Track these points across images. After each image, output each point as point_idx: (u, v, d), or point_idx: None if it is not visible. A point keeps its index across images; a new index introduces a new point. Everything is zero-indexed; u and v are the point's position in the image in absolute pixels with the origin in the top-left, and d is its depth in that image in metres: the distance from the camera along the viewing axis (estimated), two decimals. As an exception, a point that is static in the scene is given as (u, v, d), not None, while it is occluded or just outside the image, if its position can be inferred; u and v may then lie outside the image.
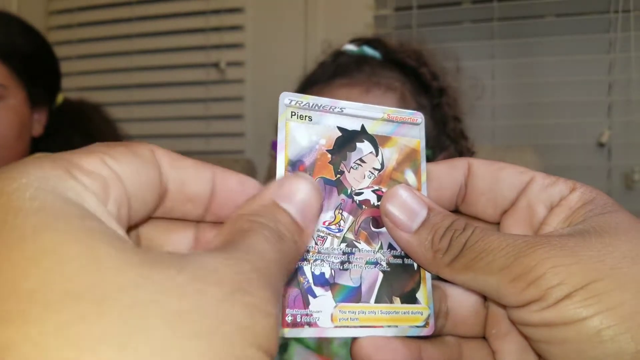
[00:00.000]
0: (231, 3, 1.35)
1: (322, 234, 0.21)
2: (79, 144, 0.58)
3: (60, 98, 0.79)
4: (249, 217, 0.16)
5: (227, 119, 1.37)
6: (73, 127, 0.77)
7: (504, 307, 0.19)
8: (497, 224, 0.23)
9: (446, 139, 0.61)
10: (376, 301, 0.21)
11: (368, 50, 0.62)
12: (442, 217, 0.20)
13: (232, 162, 1.05)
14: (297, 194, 0.18)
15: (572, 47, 1.11)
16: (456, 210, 0.23)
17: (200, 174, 0.18)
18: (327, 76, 0.61)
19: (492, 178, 0.21)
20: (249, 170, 1.02)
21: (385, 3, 1.24)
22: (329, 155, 0.22)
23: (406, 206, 0.20)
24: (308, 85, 0.63)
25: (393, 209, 0.20)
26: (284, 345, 0.57)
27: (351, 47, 0.62)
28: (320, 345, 0.54)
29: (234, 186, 0.19)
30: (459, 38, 1.19)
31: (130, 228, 0.17)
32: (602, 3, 1.10)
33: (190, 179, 0.18)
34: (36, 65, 0.72)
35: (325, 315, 0.20)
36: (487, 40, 1.16)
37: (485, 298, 0.22)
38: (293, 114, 0.23)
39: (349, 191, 0.22)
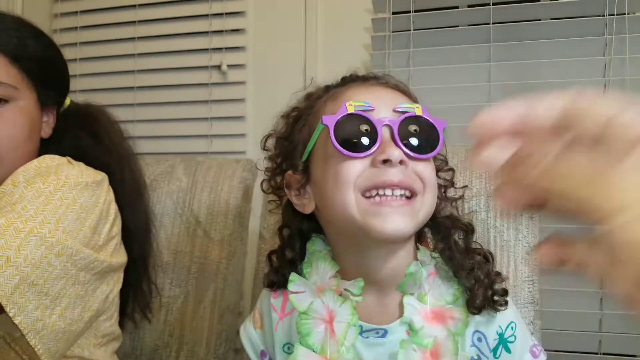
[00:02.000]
0: (233, 7, 1.37)
1: None
2: (88, 145, 0.60)
3: (67, 101, 0.81)
4: None
5: (229, 120, 1.39)
6: (81, 129, 0.78)
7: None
8: None
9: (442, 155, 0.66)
10: None
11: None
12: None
13: (233, 162, 1.06)
14: None
15: (568, 49, 1.13)
16: None
17: None
18: (344, 84, 0.62)
19: (583, 113, 0.24)
20: (250, 170, 1.04)
21: (383, 7, 1.26)
22: None
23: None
24: (301, 114, 0.63)
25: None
26: (290, 347, 0.59)
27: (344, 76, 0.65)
28: (325, 346, 0.56)
29: None
30: (455, 41, 1.21)
31: None
32: (598, 6, 1.12)
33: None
34: (46, 67, 0.73)
35: None
36: (484, 44, 1.18)
37: None
38: None
39: None
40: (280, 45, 1.36)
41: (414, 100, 0.61)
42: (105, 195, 0.69)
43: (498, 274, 0.59)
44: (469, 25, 1.21)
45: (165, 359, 0.89)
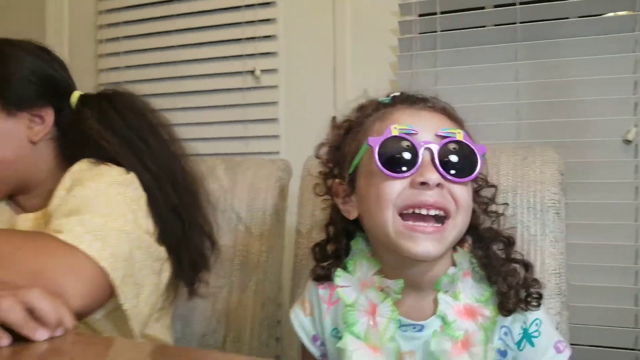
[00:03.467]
0: (264, 14, 1.43)
1: None
2: (110, 140, 0.66)
3: (75, 96, 0.83)
4: None
5: (263, 122, 1.45)
6: (100, 121, 0.79)
7: None
8: None
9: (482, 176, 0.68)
10: None
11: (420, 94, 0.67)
12: None
13: (270, 162, 1.12)
14: None
15: (596, 47, 1.14)
16: None
17: None
18: (394, 104, 0.65)
19: None
20: (285, 170, 1.10)
21: (409, 10, 1.30)
22: None
23: None
24: (350, 128, 0.67)
25: None
26: (339, 334, 0.65)
27: (399, 92, 0.67)
28: (369, 335, 0.61)
29: None
30: (482, 41, 1.23)
31: None
32: (626, 3, 1.13)
33: None
34: None
35: None
36: (510, 43, 1.20)
37: None
38: None
39: None
40: (311, 50, 1.41)
41: (459, 122, 0.64)
42: (140, 188, 0.75)
43: (536, 280, 0.62)
44: (495, 25, 1.23)
45: (213, 344, 0.96)
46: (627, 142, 1.10)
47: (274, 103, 1.44)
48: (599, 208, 1.12)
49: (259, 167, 1.10)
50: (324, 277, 0.67)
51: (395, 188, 0.57)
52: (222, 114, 1.48)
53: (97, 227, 0.64)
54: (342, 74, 1.37)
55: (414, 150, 0.57)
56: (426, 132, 0.59)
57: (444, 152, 0.57)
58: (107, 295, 0.63)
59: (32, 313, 0.51)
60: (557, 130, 1.16)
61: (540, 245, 0.76)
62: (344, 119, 0.69)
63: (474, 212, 0.64)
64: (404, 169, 0.57)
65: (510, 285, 0.60)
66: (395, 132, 0.58)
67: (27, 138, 0.78)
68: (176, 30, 1.52)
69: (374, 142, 0.58)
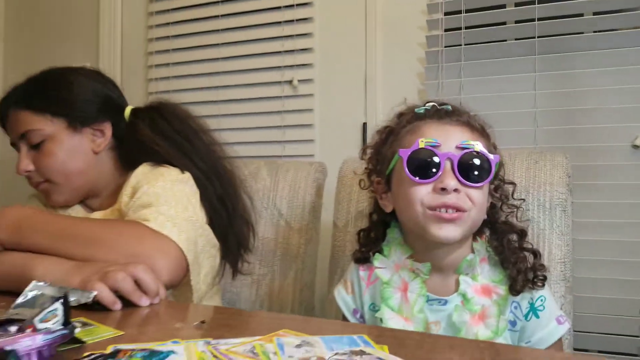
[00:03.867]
0: (302, 29, 1.57)
1: None
2: (162, 145, 0.84)
3: (128, 110, 0.97)
4: None
5: (299, 128, 1.59)
6: (152, 130, 0.92)
7: None
8: None
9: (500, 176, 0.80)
10: None
11: (448, 107, 0.77)
12: None
13: (307, 164, 1.26)
14: None
15: (608, 59, 1.24)
16: None
17: None
18: (424, 117, 0.75)
19: None
20: (321, 171, 1.23)
21: (436, 24, 1.41)
22: None
23: None
24: (390, 132, 0.79)
25: None
26: (376, 307, 0.77)
27: (432, 103, 0.78)
28: (401, 308, 0.74)
29: None
30: (503, 54, 1.34)
31: None
32: (637, 19, 1.22)
33: None
34: (57, 101, 0.90)
35: None
36: (529, 56, 1.30)
37: None
38: None
39: None
40: (344, 62, 1.54)
41: (480, 130, 0.75)
42: (195, 185, 0.88)
43: (542, 265, 0.74)
44: (515, 40, 1.34)
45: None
46: (636, 147, 1.19)
47: (309, 110, 1.57)
48: (609, 207, 1.21)
49: (298, 169, 1.24)
50: (363, 259, 0.80)
51: (421, 192, 0.69)
52: (263, 120, 1.62)
53: (172, 216, 0.79)
54: (372, 84, 1.49)
55: (437, 160, 0.69)
56: (448, 144, 0.70)
57: (462, 162, 0.69)
58: (184, 272, 0.77)
59: (137, 284, 0.65)
60: (571, 136, 1.26)
61: (548, 238, 0.87)
62: (385, 125, 0.81)
63: (493, 207, 0.76)
64: (429, 176, 0.69)
65: (520, 270, 0.72)
66: (422, 145, 0.70)
67: (91, 150, 0.93)
68: (221, 44, 1.67)
69: (404, 153, 0.71)
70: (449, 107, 0.77)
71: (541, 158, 0.94)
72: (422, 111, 0.77)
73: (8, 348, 0.43)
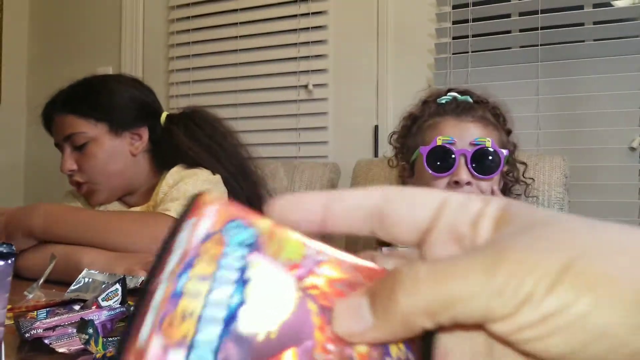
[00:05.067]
0: (317, 36, 1.65)
1: None
2: (195, 149, 0.94)
3: (164, 116, 1.04)
4: None
5: (314, 130, 1.67)
6: (186, 135, 0.99)
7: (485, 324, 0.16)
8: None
9: (513, 161, 0.89)
10: None
11: (468, 98, 0.86)
12: (381, 284, 0.17)
13: (322, 165, 1.34)
14: None
15: (608, 66, 1.31)
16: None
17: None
18: (444, 112, 0.83)
19: (408, 202, 0.19)
20: (335, 172, 1.31)
21: (445, 33, 1.49)
22: None
23: (350, 313, 0.17)
24: (415, 120, 0.87)
25: (343, 327, 0.17)
26: None
27: (454, 94, 0.86)
28: None
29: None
30: (508, 61, 1.41)
31: None
32: (637, 28, 1.29)
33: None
34: (102, 106, 0.97)
35: None
36: (532, 63, 1.38)
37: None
38: None
39: None
40: (357, 68, 1.62)
41: (494, 124, 0.83)
42: (224, 187, 0.96)
43: None
44: (520, 47, 1.41)
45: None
46: (632, 149, 1.26)
47: (324, 113, 1.66)
48: (606, 206, 1.29)
49: (313, 169, 1.32)
50: (386, 243, 0.89)
51: (438, 185, 0.79)
52: (279, 123, 1.71)
53: None
54: (383, 89, 1.57)
55: (452, 157, 0.78)
56: (463, 141, 0.79)
57: (475, 157, 0.78)
58: None
59: None
60: (572, 139, 1.33)
61: (546, 234, 0.95)
62: (409, 112, 0.89)
63: (505, 186, 0.85)
64: (445, 169, 0.78)
65: None
66: (439, 142, 0.79)
67: (129, 152, 1.00)
68: (240, 50, 1.76)
69: (424, 150, 0.80)
70: (469, 99, 0.85)
71: (540, 160, 1.02)
72: (443, 102, 0.85)
73: (87, 318, 0.52)
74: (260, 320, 0.16)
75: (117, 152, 0.99)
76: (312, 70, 1.66)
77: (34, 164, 2.15)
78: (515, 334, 0.16)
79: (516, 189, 0.87)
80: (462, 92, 0.86)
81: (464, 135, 0.79)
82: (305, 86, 1.65)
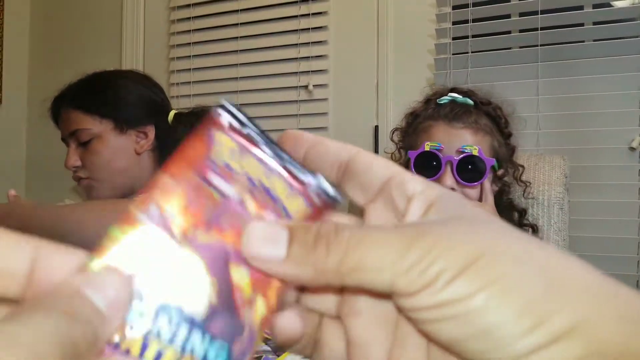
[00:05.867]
0: (318, 37, 1.66)
1: None
2: None
3: (171, 114, 1.01)
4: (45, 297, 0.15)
5: (314, 130, 1.68)
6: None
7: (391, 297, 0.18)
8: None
9: (511, 164, 0.89)
10: None
11: (468, 100, 0.86)
12: (305, 229, 0.18)
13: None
14: (107, 288, 0.16)
15: (607, 67, 1.31)
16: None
17: (18, 250, 0.16)
18: (438, 116, 0.85)
19: (366, 166, 0.21)
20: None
21: (445, 33, 1.49)
22: None
23: (266, 238, 0.18)
24: (415, 118, 0.89)
25: (254, 248, 0.18)
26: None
27: (455, 95, 0.87)
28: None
29: (57, 264, 0.17)
30: (508, 61, 1.42)
31: None
32: (636, 29, 1.29)
33: (6, 255, 0.16)
34: (106, 101, 0.95)
35: None
36: (532, 63, 1.38)
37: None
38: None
39: None
40: (357, 68, 1.62)
41: (487, 130, 0.83)
42: None
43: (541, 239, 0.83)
44: (519, 47, 1.42)
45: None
46: (632, 149, 1.27)
47: (324, 114, 1.66)
48: (606, 206, 1.29)
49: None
50: None
51: None
52: (279, 123, 1.71)
53: None
54: (383, 89, 1.58)
55: (439, 162, 0.79)
56: (450, 147, 0.80)
57: (460, 164, 0.79)
58: None
59: None
60: (571, 139, 1.34)
61: (546, 234, 0.95)
62: (411, 110, 0.90)
63: (501, 191, 0.85)
64: (430, 175, 0.79)
65: None
66: (427, 148, 0.80)
67: (134, 150, 0.98)
68: (240, 50, 1.76)
69: (412, 154, 0.80)
70: (468, 101, 0.85)
71: (540, 160, 1.02)
72: (442, 103, 0.86)
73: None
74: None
75: (121, 150, 0.98)
76: (312, 71, 1.66)
77: (35, 163, 2.15)
78: (413, 312, 0.17)
79: (514, 190, 0.88)
80: (464, 93, 0.86)
81: (453, 141, 0.80)
82: (306, 86, 1.66)
